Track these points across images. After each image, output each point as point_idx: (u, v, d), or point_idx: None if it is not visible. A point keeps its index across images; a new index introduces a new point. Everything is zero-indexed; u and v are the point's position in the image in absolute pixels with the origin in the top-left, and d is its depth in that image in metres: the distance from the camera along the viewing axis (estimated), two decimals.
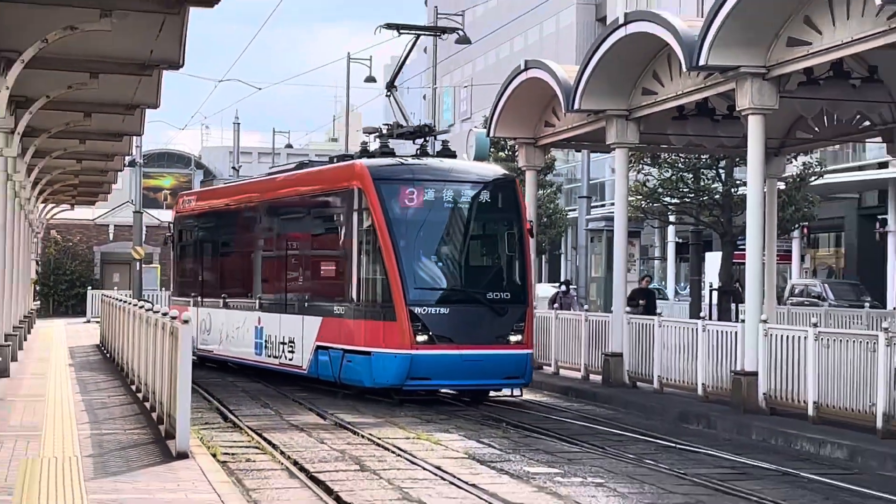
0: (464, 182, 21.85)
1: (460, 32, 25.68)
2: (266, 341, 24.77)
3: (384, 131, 24.47)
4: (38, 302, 52.91)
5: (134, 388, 19.41)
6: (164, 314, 14.76)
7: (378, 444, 16.07)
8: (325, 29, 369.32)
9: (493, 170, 24.04)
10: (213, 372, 27.65)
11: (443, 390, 21.93)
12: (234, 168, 60.60)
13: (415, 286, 20.44)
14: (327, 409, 19.99)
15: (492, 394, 21.86)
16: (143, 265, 55.80)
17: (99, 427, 15.49)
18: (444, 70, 64.97)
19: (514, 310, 21.11)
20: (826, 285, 35.33)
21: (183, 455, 12.84)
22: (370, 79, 58.87)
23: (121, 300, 25.81)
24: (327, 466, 14.19)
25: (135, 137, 34.61)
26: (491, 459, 14.99)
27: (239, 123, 60.29)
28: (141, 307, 18.69)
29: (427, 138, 23.57)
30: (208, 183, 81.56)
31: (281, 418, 19.09)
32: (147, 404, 16.77)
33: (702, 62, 19.01)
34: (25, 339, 32.32)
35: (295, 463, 14.32)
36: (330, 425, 18.26)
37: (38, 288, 54.54)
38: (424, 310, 20.28)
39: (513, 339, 20.84)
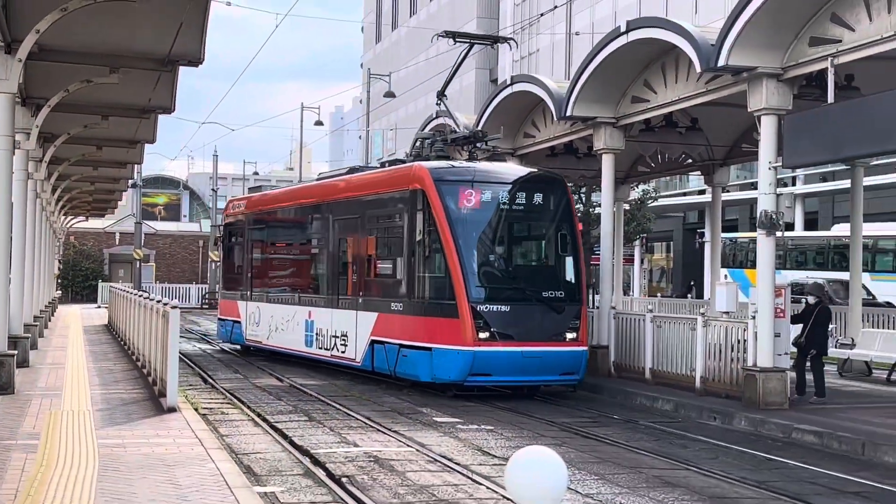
0: (519, 183, 17.59)
1: (511, 44, 21.92)
2: (317, 334, 20.52)
3: (438, 137, 19.83)
4: (60, 291, 52.11)
5: (134, 358, 19.17)
6: (158, 301, 14.61)
7: (322, 401, 16.00)
8: (285, 85, 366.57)
9: (545, 173, 19.06)
10: (197, 346, 27.37)
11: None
12: (213, 190, 59.88)
13: (476, 284, 16.45)
14: (284, 374, 19.85)
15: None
16: (142, 263, 55.25)
17: (106, 388, 15.29)
18: (375, 116, 64.93)
19: (570, 308, 16.97)
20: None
21: (172, 409, 12.72)
22: (319, 122, 58.67)
23: (125, 290, 25.51)
24: (283, 418, 14.12)
25: (136, 165, 34.25)
26: (408, 412, 14.99)
27: (217, 156, 59.62)
28: (140, 296, 18.49)
29: (477, 144, 19.17)
30: (186, 196, 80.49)
31: (248, 381, 18.94)
32: (144, 371, 16.59)
33: (568, 114, 19.22)
34: (50, 320, 31.74)
35: (259, 415, 14.24)
36: (286, 386, 18.14)
37: (59, 280, 53.76)
38: (486, 307, 16.32)
39: (569, 336, 16.75)
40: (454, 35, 20.16)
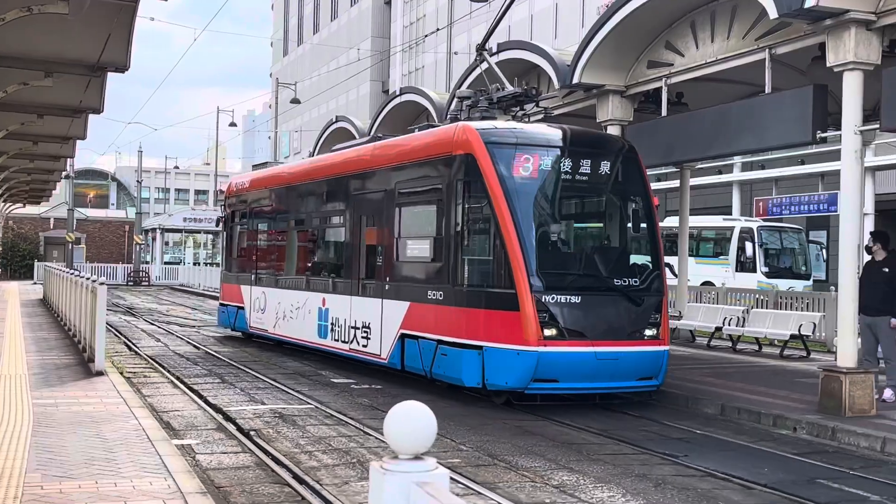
0: (584, 148, 12.56)
1: None
2: (332, 324, 15.60)
3: (482, 97, 14.46)
4: (0, 270, 50.26)
5: (66, 328, 18.61)
6: (88, 278, 14.22)
7: (234, 365, 15.79)
8: (203, 91, 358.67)
9: (612, 137, 14.01)
10: (123, 318, 26.67)
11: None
12: (137, 181, 58.38)
13: (540, 269, 11.56)
14: (201, 343, 19.52)
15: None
16: (74, 245, 53.62)
17: (41, 355, 14.81)
18: (283, 120, 64.08)
19: (650, 299, 12.12)
20: None
21: (100, 373, 12.42)
22: (233, 124, 57.83)
23: (58, 269, 24.71)
24: (199, 380, 13.89)
25: (69, 159, 33.20)
26: (309, 374, 14.90)
27: (142, 151, 57.90)
28: (72, 274, 17.94)
29: (523, 107, 14.13)
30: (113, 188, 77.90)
31: (168, 349, 18.55)
32: (75, 339, 16.13)
33: (448, 118, 19.27)
34: None
35: (177, 378, 13.98)
36: (202, 353, 17.83)
37: None
38: (552, 298, 11.45)
39: (648, 333, 11.99)
40: None
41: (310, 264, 17.71)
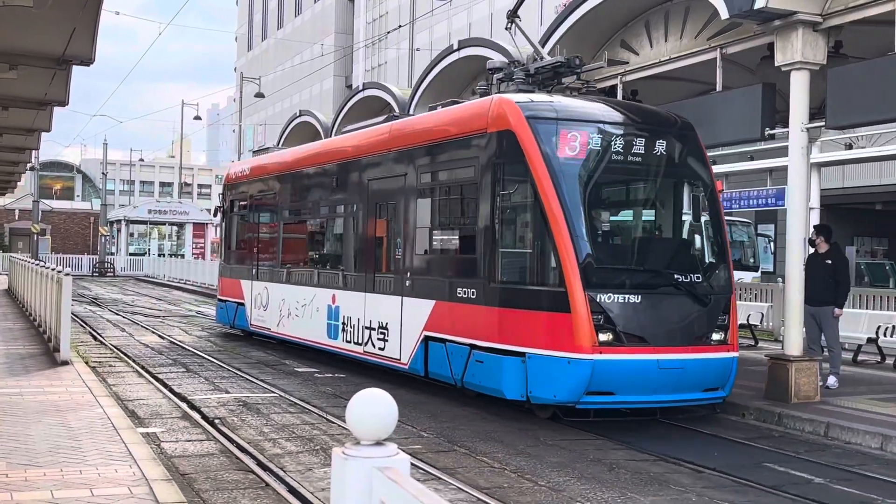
0: (638, 125, 10.62)
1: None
2: (344, 324, 13.72)
3: (516, 68, 12.35)
4: None
5: (31, 318, 18.34)
6: (53, 269, 14.04)
7: (198, 355, 15.67)
8: (168, 85, 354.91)
9: (666, 112, 11.48)
10: (88, 308, 26.32)
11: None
12: (103, 173, 57.55)
13: (595, 264, 9.74)
14: (165, 333, 19.34)
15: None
16: (39, 236, 52.87)
17: (6, 345, 14.58)
18: (247, 113, 63.55)
19: (717, 298, 10.26)
20: None
21: (65, 363, 12.27)
22: (197, 117, 57.30)
23: (23, 260, 24.33)
24: (164, 370, 13.77)
25: (33, 151, 32.68)
26: (273, 363, 14.83)
27: (107, 144, 57.01)
28: (37, 264, 17.68)
29: (560, 80, 12.23)
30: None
31: (133, 339, 18.36)
32: (40, 329, 15.91)
33: (410, 112, 19.29)
34: None
35: (143, 367, 13.85)
36: (167, 343, 17.67)
37: None
38: (609, 297, 9.59)
39: (715, 337, 10.11)
40: None
41: (317, 257, 15.77)
